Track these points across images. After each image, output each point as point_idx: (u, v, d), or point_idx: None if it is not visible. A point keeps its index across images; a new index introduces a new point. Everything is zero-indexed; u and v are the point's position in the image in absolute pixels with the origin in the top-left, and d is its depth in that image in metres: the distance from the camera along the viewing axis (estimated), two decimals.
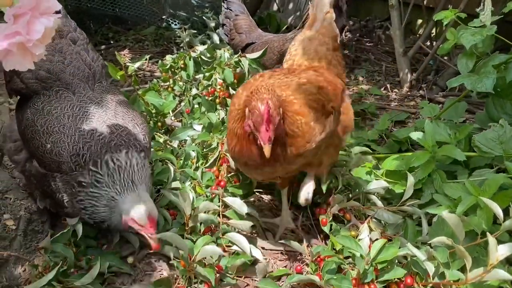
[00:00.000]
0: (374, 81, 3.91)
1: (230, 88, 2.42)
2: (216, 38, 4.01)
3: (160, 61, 2.91)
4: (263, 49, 2.24)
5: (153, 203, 1.68)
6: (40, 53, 1.09)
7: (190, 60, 2.77)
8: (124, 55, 4.42)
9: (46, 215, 1.95)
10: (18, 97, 1.94)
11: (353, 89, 3.68)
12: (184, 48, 3.94)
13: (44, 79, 1.88)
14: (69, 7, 4.76)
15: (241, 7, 3.32)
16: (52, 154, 1.73)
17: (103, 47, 4.66)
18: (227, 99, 2.40)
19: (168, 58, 4.26)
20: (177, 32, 4.63)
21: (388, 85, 3.73)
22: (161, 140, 2.49)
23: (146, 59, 4.22)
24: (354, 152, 1.98)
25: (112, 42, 4.85)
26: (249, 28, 3.15)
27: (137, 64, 2.56)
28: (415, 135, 1.94)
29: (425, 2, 4.18)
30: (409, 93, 3.56)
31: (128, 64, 2.54)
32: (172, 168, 2.00)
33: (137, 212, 1.63)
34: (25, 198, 1.92)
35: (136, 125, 1.90)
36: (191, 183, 2.04)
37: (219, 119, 2.35)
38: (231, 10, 3.32)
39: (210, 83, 2.54)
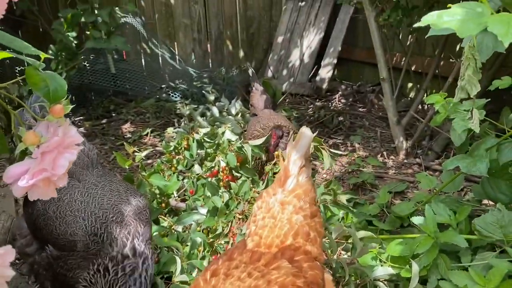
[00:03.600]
0: (370, 147, 4.02)
1: (233, 171, 2.49)
2: (215, 111, 4.15)
3: (164, 142, 3.01)
4: (266, 136, 2.34)
5: None
6: (63, 183, 1.16)
7: (193, 142, 2.86)
8: (126, 129, 4.54)
9: None
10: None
11: (352, 159, 3.74)
12: (185, 122, 4.07)
13: None
14: (72, 84, 4.95)
15: (258, 82, 3.76)
16: (67, 235, 1.83)
17: (104, 121, 4.79)
18: (231, 182, 2.46)
19: (169, 130, 4.40)
20: (177, 104, 4.79)
21: (385, 153, 3.83)
22: (165, 224, 2.52)
23: (147, 133, 4.35)
24: (359, 237, 2.02)
25: (114, 114, 5.00)
26: (257, 102, 3.39)
27: (144, 153, 2.66)
28: (416, 220, 1.99)
29: (413, 68, 4.40)
30: (405, 160, 3.65)
31: (136, 154, 2.63)
32: (179, 260, 2.03)
33: None
34: None
35: (139, 202, 2.02)
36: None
37: (223, 202, 2.40)
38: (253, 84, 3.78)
39: (213, 165, 2.61)
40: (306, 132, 1.52)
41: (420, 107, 4.16)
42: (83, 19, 4.56)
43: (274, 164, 2.36)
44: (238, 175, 2.54)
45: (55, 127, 1.13)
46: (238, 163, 2.44)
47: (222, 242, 2.18)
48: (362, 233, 2.02)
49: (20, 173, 1.11)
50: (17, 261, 2.32)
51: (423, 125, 3.61)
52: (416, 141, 3.79)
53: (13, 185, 1.13)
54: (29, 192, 1.15)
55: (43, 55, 1.15)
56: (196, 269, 2.06)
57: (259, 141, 2.31)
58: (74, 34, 4.70)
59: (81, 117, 4.97)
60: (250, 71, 3.78)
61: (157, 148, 4.03)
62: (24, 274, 2.09)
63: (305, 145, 1.50)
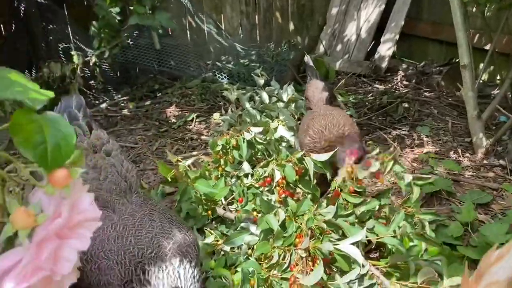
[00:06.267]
0: (440, 142, 3.45)
1: (291, 185, 2.07)
2: (265, 97, 3.67)
3: (210, 140, 2.61)
4: (332, 152, 1.88)
5: None
6: (72, 280, 0.78)
7: (243, 142, 2.45)
8: (170, 112, 4.19)
9: None
10: None
11: (423, 165, 3.18)
12: (232, 109, 3.65)
13: None
14: (116, 61, 4.64)
15: (314, 73, 3.13)
16: (101, 285, 1.48)
17: (148, 102, 4.46)
18: (289, 198, 2.04)
19: (216, 116, 4.01)
20: (224, 86, 4.36)
21: (459, 149, 3.26)
22: (211, 239, 2.16)
23: (193, 119, 3.98)
24: (453, 284, 1.56)
25: (158, 94, 4.66)
26: (313, 94, 2.87)
27: (189, 162, 2.27)
28: None
29: (487, 47, 3.73)
30: (485, 161, 3.08)
31: (179, 163, 2.25)
32: None
33: None
34: None
35: (186, 235, 1.66)
36: None
37: (278, 221, 1.99)
38: (308, 73, 3.19)
39: (266, 174, 2.20)
40: None
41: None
42: None
43: (343, 180, 1.91)
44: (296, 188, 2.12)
45: (57, 201, 0.74)
46: (297, 176, 2.01)
47: (279, 274, 1.79)
48: (457, 280, 1.56)
49: (8, 269, 0.75)
50: None
51: (510, 123, 3.00)
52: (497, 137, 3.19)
53: None
54: None
55: (49, 94, 0.75)
56: None
57: (324, 156, 1.86)
58: (117, 9, 4.33)
59: (125, 97, 4.67)
60: (306, 59, 3.26)
61: (202, 138, 3.66)
62: None
63: None
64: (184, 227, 1.66)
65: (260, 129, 2.42)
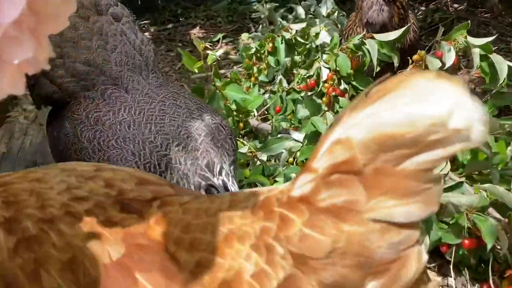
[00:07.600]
0: None
1: (343, 81, 1.68)
2: (301, 11, 3.23)
3: (242, 45, 2.23)
4: (404, 28, 1.46)
5: None
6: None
7: (282, 43, 2.05)
8: (194, 34, 3.80)
9: None
10: (48, 107, 1.37)
11: (473, 75, 2.77)
12: (264, 25, 3.22)
13: (82, 74, 1.29)
14: None
15: None
16: None
17: (170, 26, 4.06)
18: (340, 98, 1.67)
19: (244, 36, 3.59)
20: (254, 5, 3.91)
21: None
22: (245, 150, 1.84)
23: (219, 39, 3.58)
24: None
25: (181, 19, 4.24)
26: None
27: (220, 52, 1.90)
28: None
29: None
30: None
31: (208, 52, 1.88)
32: None
33: None
34: None
35: (220, 126, 1.32)
36: None
37: (326, 124, 1.63)
38: None
39: (311, 73, 1.82)
40: None
41: None
42: None
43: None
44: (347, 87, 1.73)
45: None
46: (352, 69, 1.62)
47: None
48: None
49: None
50: None
51: None
52: None
53: None
54: None
55: None
56: None
57: (393, 35, 1.45)
58: None
59: (146, 21, 4.28)
60: None
61: (230, 57, 3.28)
62: None
63: None
64: (217, 115, 1.33)
65: (303, 24, 2.02)
